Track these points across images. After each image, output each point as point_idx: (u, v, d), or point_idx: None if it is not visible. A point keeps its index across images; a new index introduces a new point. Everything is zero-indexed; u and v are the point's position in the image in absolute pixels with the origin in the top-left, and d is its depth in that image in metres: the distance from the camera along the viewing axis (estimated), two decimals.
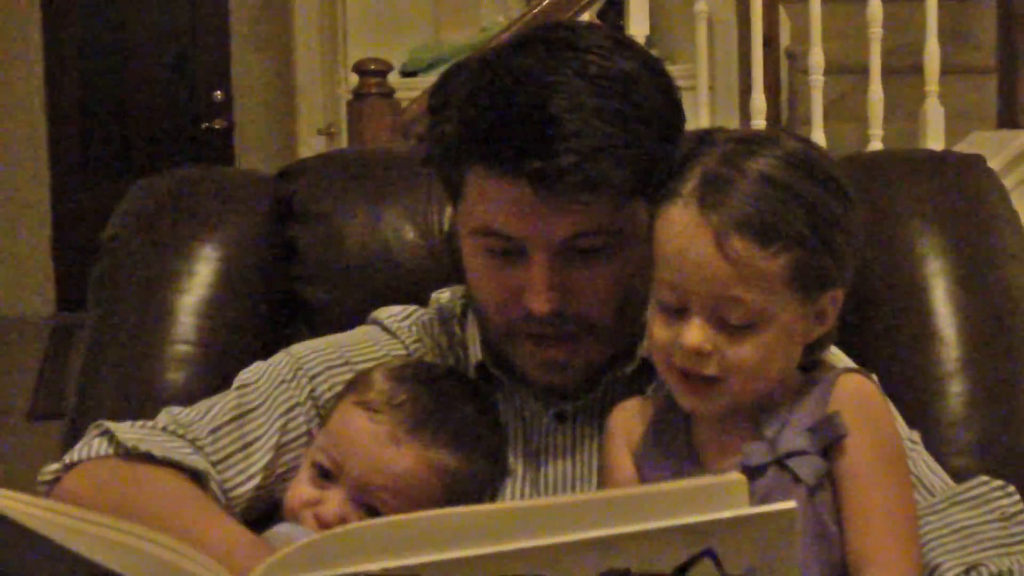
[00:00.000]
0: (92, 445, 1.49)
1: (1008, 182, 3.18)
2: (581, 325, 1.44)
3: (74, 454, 1.49)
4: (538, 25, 1.51)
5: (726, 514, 0.97)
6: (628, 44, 1.46)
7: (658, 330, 1.31)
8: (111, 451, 1.48)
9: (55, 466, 1.49)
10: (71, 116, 9.06)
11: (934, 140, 3.40)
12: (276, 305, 1.87)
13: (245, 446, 1.50)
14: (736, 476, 1.00)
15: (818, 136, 3.48)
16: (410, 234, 1.86)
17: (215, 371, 1.62)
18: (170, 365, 1.76)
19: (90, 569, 1.03)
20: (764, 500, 1.27)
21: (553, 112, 1.35)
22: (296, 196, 1.90)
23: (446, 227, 1.84)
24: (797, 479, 1.28)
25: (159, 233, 1.86)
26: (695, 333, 1.27)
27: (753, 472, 1.29)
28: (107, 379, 1.76)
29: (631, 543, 0.94)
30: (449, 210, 1.84)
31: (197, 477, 1.46)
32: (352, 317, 1.69)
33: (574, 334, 1.45)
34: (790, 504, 0.97)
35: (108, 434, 1.49)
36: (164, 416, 1.53)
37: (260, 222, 1.90)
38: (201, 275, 1.83)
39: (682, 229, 1.28)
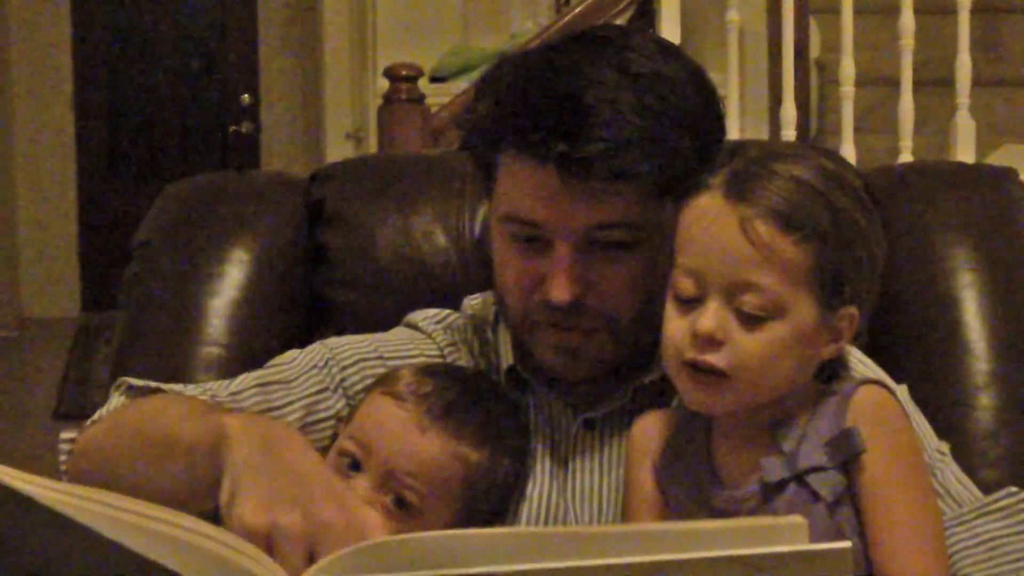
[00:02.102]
0: (111, 403, 1.54)
1: None
2: (598, 319, 1.45)
3: (95, 416, 1.53)
4: (587, 25, 1.52)
5: (781, 548, 0.98)
6: (674, 51, 1.47)
7: (671, 322, 1.32)
8: (125, 401, 1.53)
9: (76, 432, 1.52)
10: (99, 119, 9.11)
11: (965, 152, 3.40)
12: (306, 309, 1.88)
13: (266, 410, 1.52)
14: (797, 518, 1.01)
15: (848, 147, 3.47)
16: (441, 239, 1.87)
17: (244, 373, 1.62)
18: (199, 366, 1.78)
19: (139, 564, 1.04)
20: None
21: (586, 101, 1.37)
22: (327, 200, 1.91)
23: (477, 233, 1.85)
24: (816, 496, 1.29)
25: (190, 236, 1.88)
26: (709, 317, 1.28)
27: (773, 488, 1.30)
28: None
29: (685, 568, 0.96)
30: (480, 216, 1.85)
31: None
32: (382, 322, 1.70)
33: (590, 325, 1.45)
34: (846, 544, 0.98)
35: (125, 388, 1.54)
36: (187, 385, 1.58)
37: (291, 225, 1.91)
38: (231, 277, 1.84)
39: (706, 213, 1.30)
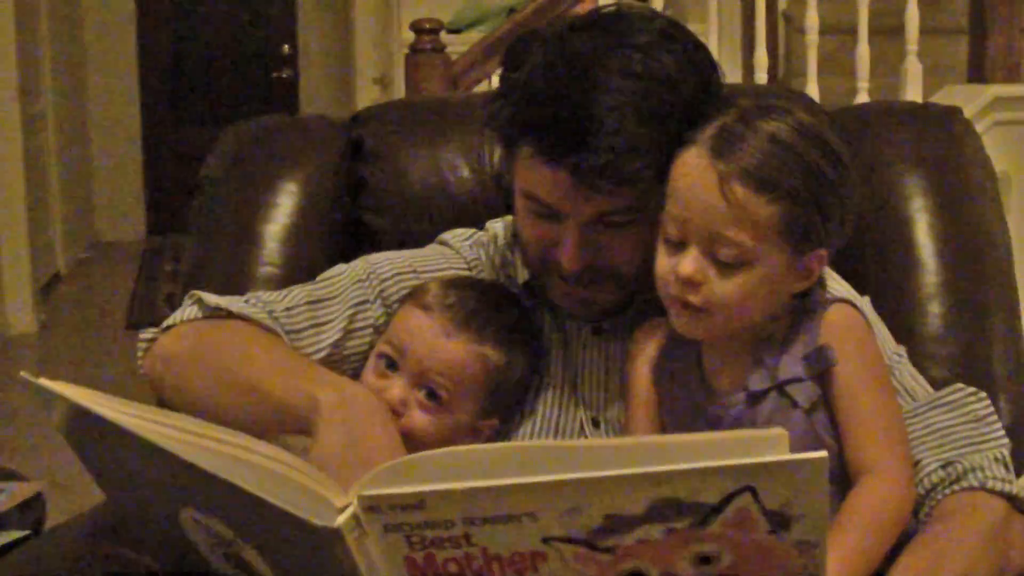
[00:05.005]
0: (185, 311, 1.53)
1: (977, 129, 3.15)
2: (605, 275, 1.45)
3: (170, 319, 1.53)
4: (600, 8, 1.47)
5: (766, 458, 0.97)
6: (676, 37, 1.42)
7: (660, 260, 1.32)
8: (199, 314, 1.52)
9: (154, 330, 1.54)
10: (160, 67, 9.14)
11: (913, 93, 3.38)
12: (348, 232, 1.88)
13: (315, 325, 1.52)
14: (779, 430, 1.00)
15: (812, 89, 3.45)
16: (464, 171, 1.87)
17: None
18: (259, 283, 1.77)
19: (209, 480, 1.04)
20: (767, 421, 1.30)
21: (594, 112, 1.34)
22: (366, 138, 1.90)
23: (496, 165, 1.84)
24: (795, 403, 1.29)
25: (247, 171, 1.87)
26: (689, 263, 1.28)
27: (756, 396, 1.31)
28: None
29: (683, 477, 0.95)
30: (496, 154, 1.84)
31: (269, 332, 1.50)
32: (412, 242, 1.70)
33: (598, 279, 1.45)
34: (822, 453, 0.96)
35: (199, 302, 1.53)
36: (249, 295, 1.57)
37: (334, 161, 1.90)
38: (284, 207, 1.83)
39: (692, 170, 1.28)
